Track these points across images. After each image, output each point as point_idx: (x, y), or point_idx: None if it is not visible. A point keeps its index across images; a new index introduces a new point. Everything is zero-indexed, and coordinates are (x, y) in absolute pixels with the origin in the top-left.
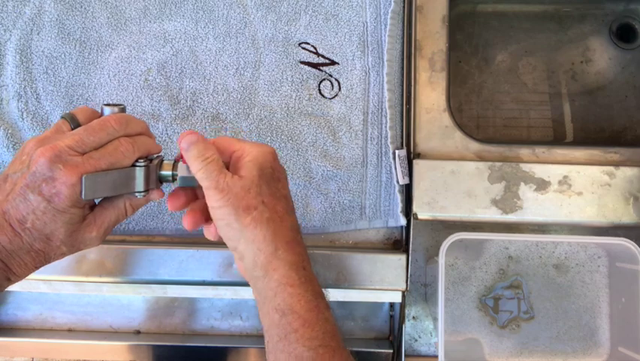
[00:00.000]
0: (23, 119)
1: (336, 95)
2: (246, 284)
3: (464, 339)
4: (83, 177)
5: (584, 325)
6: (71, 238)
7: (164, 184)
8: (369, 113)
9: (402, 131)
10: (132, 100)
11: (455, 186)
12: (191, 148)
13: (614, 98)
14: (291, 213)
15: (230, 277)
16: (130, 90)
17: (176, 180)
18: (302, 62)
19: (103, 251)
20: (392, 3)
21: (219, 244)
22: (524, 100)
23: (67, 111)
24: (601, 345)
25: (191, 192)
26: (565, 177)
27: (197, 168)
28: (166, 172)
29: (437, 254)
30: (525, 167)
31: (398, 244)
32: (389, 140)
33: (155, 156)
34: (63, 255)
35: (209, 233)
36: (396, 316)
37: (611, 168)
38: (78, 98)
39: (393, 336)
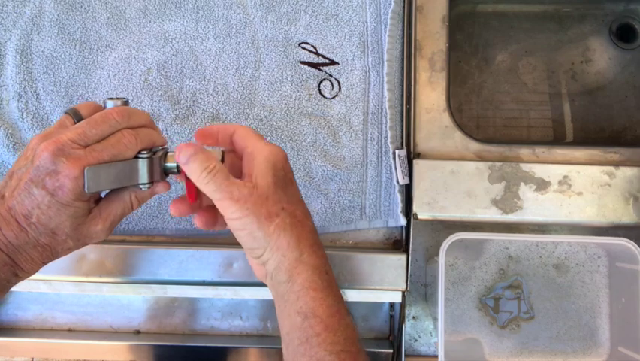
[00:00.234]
0: (23, 119)
1: (336, 95)
2: (246, 284)
3: (464, 339)
4: (85, 169)
5: (584, 325)
6: (77, 231)
7: (171, 177)
8: (369, 113)
9: (402, 131)
10: (132, 100)
11: (455, 186)
12: (191, 161)
13: (614, 98)
14: (309, 215)
15: (230, 277)
16: (130, 90)
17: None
18: (302, 62)
19: (103, 251)
20: (392, 3)
21: (219, 244)
22: (524, 100)
23: (71, 106)
24: (601, 345)
25: (197, 196)
26: (565, 177)
27: (204, 181)
28: (170, 164)
29: (437, 254)
30: (525, 167)
31: (398, 244)
32: (389, 140)
33: (160, 148)
34: (70, 249)
35: (200, 222)
36: (396, 316)
37: (611, 168)
38: (78, 98)
39: (393, 336)
